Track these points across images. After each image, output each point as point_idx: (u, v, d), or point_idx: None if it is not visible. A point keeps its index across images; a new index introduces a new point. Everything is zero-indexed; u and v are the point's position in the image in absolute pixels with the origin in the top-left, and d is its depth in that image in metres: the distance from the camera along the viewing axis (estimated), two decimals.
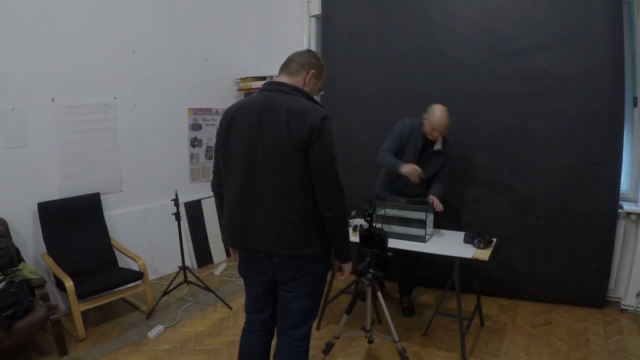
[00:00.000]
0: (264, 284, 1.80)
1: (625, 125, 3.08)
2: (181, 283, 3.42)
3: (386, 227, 2.75)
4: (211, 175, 1.88)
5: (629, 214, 3.13)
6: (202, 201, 4.32)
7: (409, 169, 2.75)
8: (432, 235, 2.83)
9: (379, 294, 2.29)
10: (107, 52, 3.44)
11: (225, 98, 4.50)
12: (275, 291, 1.81)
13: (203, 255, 4.27)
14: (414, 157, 2.91)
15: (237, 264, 1.88)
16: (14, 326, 2.29)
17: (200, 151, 4.34)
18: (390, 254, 2.20)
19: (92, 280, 2.99)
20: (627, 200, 3.24)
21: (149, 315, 3.14)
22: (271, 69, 4.57)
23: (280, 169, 1.58)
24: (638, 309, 3.11)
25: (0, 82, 2.88)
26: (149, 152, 3.84)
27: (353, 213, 3.11)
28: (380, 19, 3.68)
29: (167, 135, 4.00)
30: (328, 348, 2.34)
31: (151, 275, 3.71)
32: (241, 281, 3.86)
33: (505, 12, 3.24)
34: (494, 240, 2.62)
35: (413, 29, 3.55)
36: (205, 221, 4.33)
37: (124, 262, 3.38)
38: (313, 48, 4.44)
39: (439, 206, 2.83)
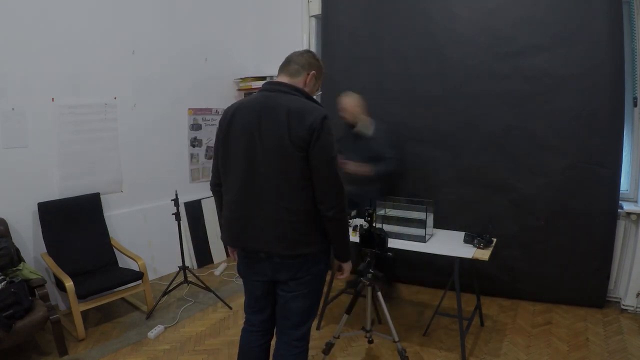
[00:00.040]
0: (264, 284, 1.80)
1: (625, 125, 3.08)
2: (181, 283, 3.42)
3: (386, 227, 2.75)
4: (211, 175, 1.89)
5: (629, 214, 3.13)
6: (202, 201, 4.32)
7: (347, 167, 2.95)
8: (432, 235, 2.83)
9: (379, 293, 2.29)
10: (107, 52, 3.44)
11: (225, 98, 4.50)
12: (274, 291, 1.81)
13: (203, 255, 4.27)
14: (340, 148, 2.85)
15: (236, 264, 1.88)
16: (14, 326, 2.29)
17: (200, 151, 4.34)
18: (391, 254, 2.20)
19: (92, 280, 2.99)
20: (627, 200, 3.24)
21: (149, 315, 3.14)
22: (271, 69, 4.56)
23: (280, 168, 1.58)
24: (638, 309, 3.11)
25: (0, 82, 2.88)
26: (149, 152, 3.84)
27: (353, 213, 3.11)
28: (380, 19, 3.68)
29: (167, 135, 4.00)
30: (328, 348, 2.34)
31: (151, 275, 3.71)
32: (241, 281, 3.86)
33: (505, 12, 3.24)
34: (494, 240, 2.62)
35: (413, 29, 3.55)
36: (205, 221, 4.33)
37: (124, 262, 3.38)
38: (313, 48, 4.44)
39: (353, 167, 2.98)
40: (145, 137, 3.80)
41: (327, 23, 4.03)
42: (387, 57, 3.67)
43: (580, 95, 3.08)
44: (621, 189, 3.17)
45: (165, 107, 3.96)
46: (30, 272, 2.72)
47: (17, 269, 2.69)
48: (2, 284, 2.48)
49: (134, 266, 3.19)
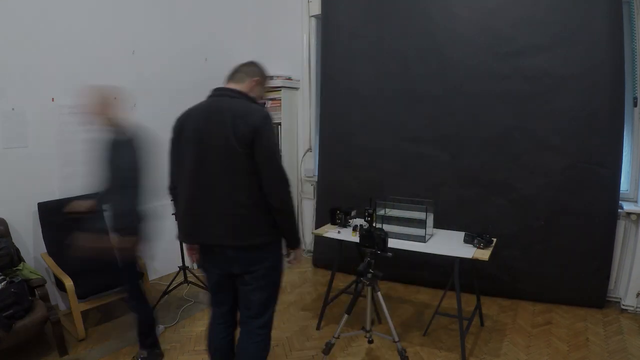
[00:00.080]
0: (222, 277, 1.91)
1: (625, 125, 3.08)
2: (181, 283, 3.42)
3: (386, 227, 2.75)
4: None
5: (629, 214, 3.13)
6: None
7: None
8: (432, 235, 2.83)
9: (379, 293, 2.29)
10: (107, 52, 3.44)
11: None
12: (234, 285, 1.92)
13: None
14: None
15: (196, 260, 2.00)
16: (14, 326, 2.29)
17: None
18: (390, 254, 2.20)
19: (92, 280, 2.99)
20: (627, 200, 3.24)
21: None
22: (271, 68, 4.55)
23: (228, 166, 1.71)
24: (638, 309, 3.11)
25: (0, 82, 2.88)
26: (149, 152, 3.83)
27: (353, 213, 3.12)
28: (380, 19, 3.69)
29: (167, 136, 3.99)
30: (328, 348, 2.34)
31: (151, 275, 3.71)
32: None
33: (505, 12, 3.24)
34: (494, 240, 2.62)
35: (413, 29, 3.55)
36: None
37: None
38: (313, 48, 4.45)
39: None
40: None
41: (327, 23, 4.03)
42: (387, 57, 3.68)
43: (580, 95, 3.08)
44: (621, 189, 3.17)
45: (165, 107, 3.95)
46: (30, 272, 2.72)
47: (17, 269, 2.69)
48: (2, 284, 2.48)
49: None
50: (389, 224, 2.83)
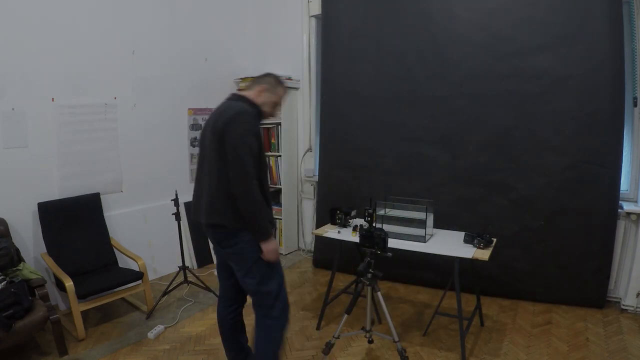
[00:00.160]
0: (219, 256, 2.21)
1: (625, 125, 3.08)
2: (181, 283, 3.42)
3: (386, 227, 2.75)
4: None
5: (629, 214, 3.13)
6: None
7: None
8: (432, 235, 2.83)
9: (379, 293, 2.29)
10: (107, 52, 3.45)
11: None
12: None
13: (203, 255, 4.27)
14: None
15: None
16: (14, 326, 2.29)
17: None
18: (390, 254, 2.20)
19: (92, 280, 2.99)
20: (627, 200, 3.24)
21: (149, 315, 3.14)
22: (271, 69, 4.58)
23: (212, 156, 1.95)
24: (638, 309, 3.11)
25: (0, 82, 2.88)
26: (149, 152, 3.85)
27: (353, 213, 3.12)
28: (380, 19, 3.69)
29: (167, 135, 4.00)
30: (328, 348, 2.34)
31: (151, 275, 3.71)
32: None
33: (505, 12, 3.24)
34: (494, 240, 2.62)
35: (413, 29, 3.55)
36: None
37: (124, 262, 3.38)
38: (313, 48, 4.45)
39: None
40: (145, 137, 3.80)
41: (327, 23, 4.03)
42: (387, 57, 3.68)
43: (580, 95, 3.08)
44: (621, 189, 3.17)
45: (165, 107, 3.96)
46: (30, 272, 2.72)
47: (17, 269, 2.69)
48: (2, 284, 2.48)
49: (134, 266, 3.19)
50: (389, 224, 2.83)
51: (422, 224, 2.69)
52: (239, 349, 2.25)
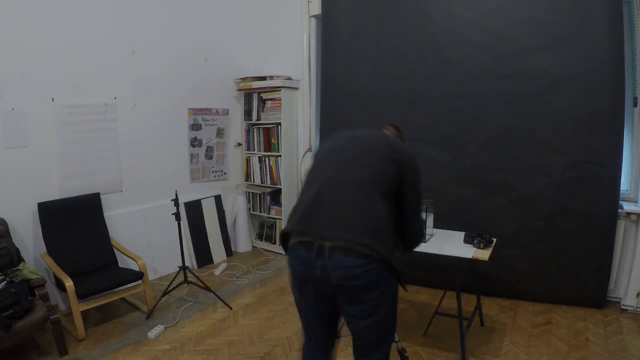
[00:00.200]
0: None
1: (625, 125, 3.08)
2: (181, 283, 3.42)
3: None
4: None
5: (629, 214, 3.13)
6: (202, 201, 4.32)
7: None
8: (432, 235, 2.82)
9: None
10: (107, 52, 3.45)
11: (225, 98, 4.51)
12: None
13: (203, 255, 4.27)
14: None
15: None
16: (14, 326, 2.29)
17: (200, 151, 4.34)
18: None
19: (92, 280, 2.99)
20: (627, 200, 3.24)
21: (149, 315, 3.14)
22: (271, 69, 4.61)
23: (376, 177, 1.72)
24: (638, 309, 3.11)
25: (0, 82, 2.88)
26: (149, 152, 3.85)
27: None
28: (380, 19, 3.69)
29: (167, 135, 4.00)
30: None
31: (151, 275, 3.71)
32: (240, 281, 3.87)
33: (505, 12, 3.24)
34: (494, 240, 2.62)
35: (413, 29, 3.55)
36: (205, 221, 4.33)
37: (124, 262, 3.39)
38: (313, 48, 4.45)
39: None
40: (145, 137, 3.80)
41: (327, 23, 4.03)
42: (387, 57, 3.68)
43: (580, 95, 3.08)
44: (621, 189, 3.17)
45: (165, 107, 3.96)
46: (30, 272, 2.72)
47: (17, 269, 2.69)
48: (2, 284, 2.48)
49: (134, 266, 3.19)
50: None
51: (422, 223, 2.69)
52: None
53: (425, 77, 3.53)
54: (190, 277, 3.45)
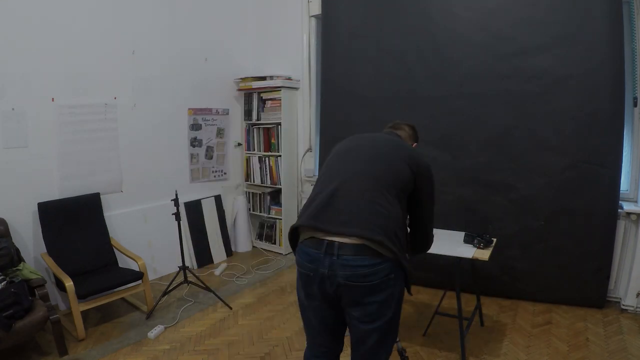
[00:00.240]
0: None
1: (625, 125, 3.08)
2: (181, 283, 3.42)
3: None
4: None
5: (629, 214, 3.13)
6: (202, 201, 4.32)
7: None
8: (434, 235, 2.82)
9: None
10: (107, 52, 3.45)
11: (225, 98, 4.51)
12: None
13: (203, 255, 4.27)
14: None
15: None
16: (14, 326, 2.29)
17: (200, 151, 4.34)
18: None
19: (92, 280, 2.99)
20: (627, 200, 3.24)
21: (149, 315, 3.14)
22: (271, 69, 4.61)
23: (390, 177, 1.74)
24: (638, 309, 3.11)
25: (0, 82, 2.88)
26: (149, 152, 3.85)
27: None
28: (380, 19, 3.69)
29: (167, 135, 4.00)
30: None
31: (151, 275, 3.71)
32: (240, 281, 3.87)
33: (505, 12, 3.24)
34: (494, 240, 2.62)
35: (413, 29, 3.55)
36: (205, 221, 4.33)
37: (124, 262, 3.39)
38: (313, 48, 4.45)
39: None
40: (145, 137, 3.80)
41: (327, 23, 4.03)
42: (387, 57, 3.68)
43: (580, 95, 3.08)
44: (621, 189, 3.16)
45: (165, 107, 3.96)
46: (30, 272, 2.72)
47: (17, 269, 2.69)
48: (2, 284, 2.48)
49: (134, 266, 3.19)
50: None
51: None
52: None
53: (425, 77, 3.53)
54: (190, 277, 3.45)
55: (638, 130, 3.17)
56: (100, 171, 3.49)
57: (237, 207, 4.68)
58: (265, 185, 4.65)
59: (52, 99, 3.15)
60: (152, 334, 2.87)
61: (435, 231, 2.87)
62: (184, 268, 3.40)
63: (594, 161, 3.10)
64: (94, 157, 3.44)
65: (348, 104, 3.88)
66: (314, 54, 4.44)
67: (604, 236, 3.15)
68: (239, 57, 4.64)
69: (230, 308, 3.32)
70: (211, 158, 4.45)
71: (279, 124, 4.38)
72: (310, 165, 4.57)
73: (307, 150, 4.58)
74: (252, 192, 4.81)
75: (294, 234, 1.67)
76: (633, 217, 3.12)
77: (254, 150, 4.67)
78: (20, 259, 2.81)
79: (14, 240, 2.85)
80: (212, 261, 4.33)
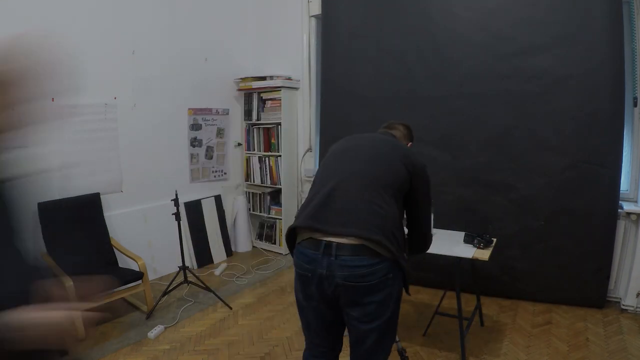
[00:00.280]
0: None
1: (625, 125, 3.08)
2: (181, 283, 3.42)
3: None
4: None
5: (629, 214, 3.13)
6: (202, 201, 4.32)
7: None
8: (432, 235, 2.82)
9: None
10: (107, 52, 3.44)
11: (225, 98, 4.51)
12: None
13: (203, 255, 4.27)
14: None
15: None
16: None
17: (200, 151, 4.34)
18: None
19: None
20: (627, 200, 3.24)
21: (149, 315, 3.14)
22: (271, 69, 4.61)
23: (389, 178, 1.74)
24: (638, 309, 3.11)
25: None
26: (149, 152, 3.85)
27: None
28: (380, 19, 3.69)
29: (167, 135, 4.00)
30: None
31: (151, 275, 3.71)
32: (240, 281, 3.87)
33: (505, 12, 3.24)
34: (494, 240, 2.62)
35: (413, 29, 3.55)
36: (205, 221, 4.33)
37: (124, 262, 3.38)
38: (313, 48, 4.45)
39: None
40: (145, 137, 3.80)
41: (327, 23, 4.03)
42: (387, 57, 3.68)
43: (580, 95, 3.08)
44: (621, 189, 3.17)
45: (165, 107, 3.96)
46: None
47: None
48: None
49: (134, 266, 3.19)
50: None
51: None
52: None
53: (425, 77, 3.53)
54: (190, 277, 3.45)
55: (638, 130, 3.17)
56: (100, 171, 3.49)
57: (237, 207, 4.68)
58: (265, 185, 4.65)
59: (52, 99, 3.14)
60: (152, 334, 2.87)
61: (435, 231, 2.90)
62: (184, 268, 3.40)
63: (594, 161, 3.10)
64: (94, 157, 3.43)
65: (348, 104, 3.88)
66: (314, 54, 4.44)
67: (604, 236, 3.15)
68: (239, 57, 4.64)
69: (230, 308, 3.32)
70: (211, 158, 4.45)
71: (279, 124, 4.38)
72: (310, 165, 4.57)
73: (307, 150, 4.58)
74: (252, 192, 4.81)
75: (292, 234, 1.67)
76: (633, 217, 3.12)
77: (254, 150, 4.67)
78: None
79: None
80: (212, 261, 4.33)
